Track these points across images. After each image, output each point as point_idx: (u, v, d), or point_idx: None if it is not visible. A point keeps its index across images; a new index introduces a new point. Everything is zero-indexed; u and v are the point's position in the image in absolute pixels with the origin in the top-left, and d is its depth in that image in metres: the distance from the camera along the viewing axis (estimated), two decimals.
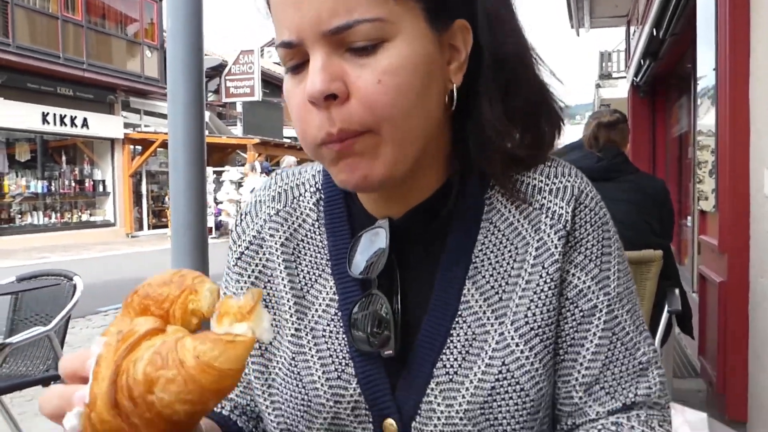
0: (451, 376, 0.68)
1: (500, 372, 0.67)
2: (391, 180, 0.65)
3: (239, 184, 17.58)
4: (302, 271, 0.75)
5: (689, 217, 5.97)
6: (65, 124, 15.96)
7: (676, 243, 6.61)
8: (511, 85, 0.69)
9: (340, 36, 0.60)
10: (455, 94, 0.67)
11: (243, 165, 18.44)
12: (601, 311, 0.70)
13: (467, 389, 0.67)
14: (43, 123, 15.41)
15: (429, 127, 0.66)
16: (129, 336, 0.48)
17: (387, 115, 0.61)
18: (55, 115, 15.62)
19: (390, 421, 0.69)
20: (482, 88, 0.68)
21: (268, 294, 0.77)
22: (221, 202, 17.35)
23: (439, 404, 0.68)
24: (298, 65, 0.63)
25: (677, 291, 2.78)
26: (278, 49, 0.64)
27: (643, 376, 0.71)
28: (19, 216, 15.78)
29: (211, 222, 15.44)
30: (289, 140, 22.44)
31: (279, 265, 0.76)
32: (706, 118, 3.70)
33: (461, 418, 0.67)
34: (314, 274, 0.75)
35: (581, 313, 0.70)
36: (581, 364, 0.70)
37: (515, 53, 0.68)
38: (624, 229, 2.64)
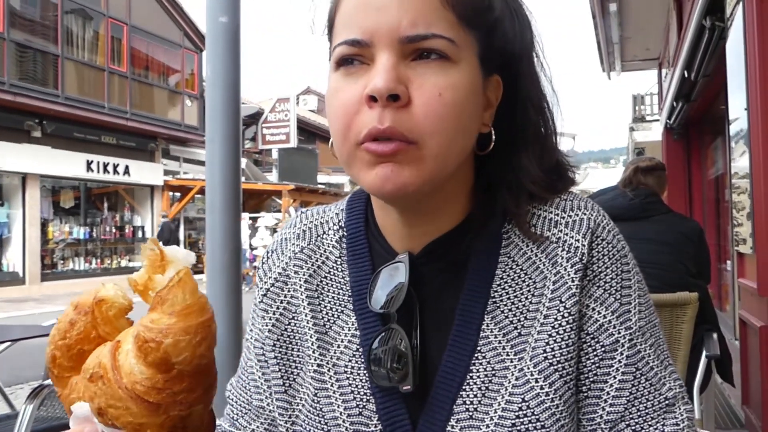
0: (471, 413, 0.68)
1: (520, 409, 0.67)
2: (422, 192, 0.67)
3: (274, 230, 17.79)
4: (325, 307, 0.77)
5: (728, 261, 5.81)
6: (108, 172, 16.48)
7: (716, 288, 6.43)
8: (547, 140, 0.75)
9: (414, 45, 0.64)
10: (493, 137, 0.72)
11: (278, 211, 18.70)
12: (623, 346, 0.69)
13: (488, 426, 0.67)
14: (87, 170, 15.95)
15: (462, 155, 0.70)
16: (105, 368, 0.50)
17: (439, 128, 0.64)
18: (98, 162, 16.17)
19: None
20: (520, 140, 0.73)
21: (292, 330, 0.78)
22: (256, 248, 17.55)
23: None
24: (355, 63, 0.66)
25: (715, 335, 2.69)
26: (340, 47, 0.67)
27: (670, 412, 0.70)
28: (62, 261, 16.19)
29: (246, 266, 15.57)
30: (323, 186, 22.71)
31: (303, 302, 0.78)
32: (741, 160, 3.66)
33: None
34: (336, 310, 0.77)
35: (603, 348, 0.69)
36: (605, 401, 0.69)
37: (550, 115, 0.76)
38: (657, 270, 2.61)
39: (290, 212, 17.89)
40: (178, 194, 18.85)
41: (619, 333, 0.70)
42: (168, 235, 15.47)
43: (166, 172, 18.36)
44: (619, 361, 0.69)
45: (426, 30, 0.64)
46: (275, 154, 23.04)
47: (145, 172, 17.54)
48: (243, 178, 2.70)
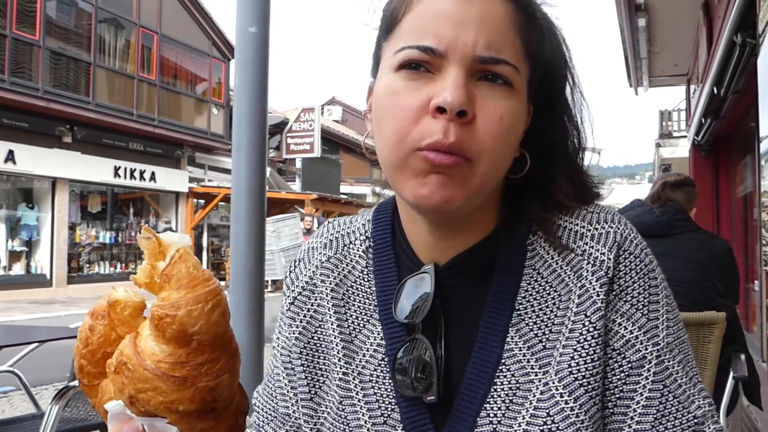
0: (494, 426, 0.68)
1: (545, 423, 0.67)
2: (463, 209, 0.68)
3: None
4: (351, 316, 0.78)
5: (756, 282, 5.69)
6: (135, 178, 16.74)
7: (743, 308, 6.30)
8: (577, 158, 0.77)
9: (484, 66, 0.66)
10: (528, 161, 0.73)
11: (301, 220, 18.78)
12: (650, 362, 0.69)
13: None
14: (115, 176, 16.22)
15: (502, 177, 0.71)
16: (127, 356, 0.52)
17: (494, 150, 0.66)
18: (126, 168, 16.44)
19: None
20: (552, 156, 0.75)
21: (318, 338, 0.79)
22: None
23: None
24: (421, 70, 0.67)
25: (743, 356, 2.63)
26: (409, 50, 0.66)
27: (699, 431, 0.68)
28: (88, 265, 16.44)
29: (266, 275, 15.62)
30: (345, 196, 22.79)
31: (329, 310, 0.79)
32: None
33: None
34: (362, 319, 0.77)
35: (629, 365, 0.69)
36: (632, 418, 0.68)
37: (580, 133, 0.77)
38: (684, 288, 2.56)
39: (313, 221, 17.96)
40: (202, 201, 19.05)
41: (647, 349, 0.69)
42: None
43: (191, 179, 18.58)
44: (646, 378, 0.69)
45: (498, 54, 0.66)
46: (299, 163, 23.20)
47: (170, 179, 17.78)
48: (267, 187, 2.72)
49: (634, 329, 0.70)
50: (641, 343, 0.69)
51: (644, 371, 0.69)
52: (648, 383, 0.69)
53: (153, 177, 17.22)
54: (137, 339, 0.52)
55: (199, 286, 0.51)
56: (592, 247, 0.71)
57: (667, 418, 0.68)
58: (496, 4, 0.67)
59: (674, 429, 0.68)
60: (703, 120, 7.15)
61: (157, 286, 0.53)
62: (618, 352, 0.69)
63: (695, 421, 0.69)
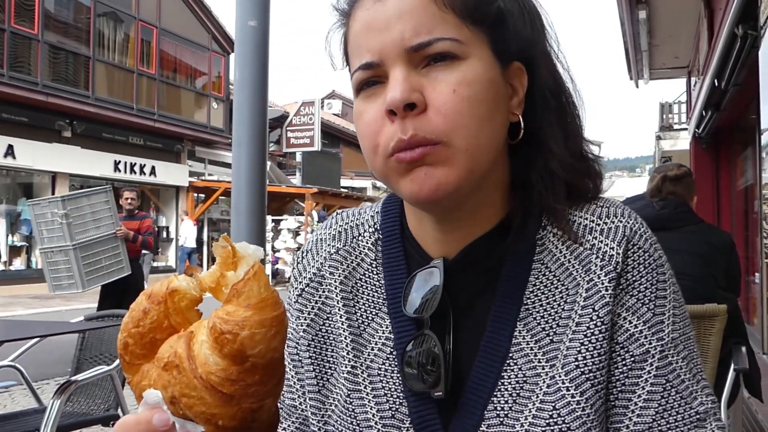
0: (501, 419, 0.68)
1: (551, 417, 0.67)
2: (461, 190, 0.67)
3: (296, 233, 17.90)
4: (360, 309, 0.78)
5: (757, 274, 5.70)
6: (135, 172, 16.74)
7: (743, 301, 6.31)
8: (570, 125, 0.75)
9: (420, 52, 0.66)
10: (522, 125, 0.72)
11: (301, 214, 18.80)
12: (653, 357, 0.69)
13: None
14: (115, 170, 16.21)
15: (494, 147, 0.70)
16: (180, 357, 0.51)
17: (460, 124, 0.65)
18: (126, 163, 16.43)
19: None
20: (545, 125, 0.73)
21: (327, 331, 0.79)
22: (278, 251, 17.66)
23: None
24: (373, 84, 0.69)
25: (744, 348, 2.65)
26: (356, 74, 0.70)
27: (701, 428, 0.68)
28: None
29: (267, 270, 15.67)
30: (346, 190, 22.78)
31: (337, 303, 0.78)
32: None
33: None
34: (371, 312, 0.77)
35: (632, 358, 0.69)
36: (632, 411, 0.68)
37: (571, 100, 0.76)
38: (687, 281, 2.57)
39: (313, 215, 17.99)
40: (202, 195, 19.06)
41: (650, 344, 0.69)
42: None
43: (191, 174, 18.58)
44: (649, 372, 0.69)
45: (428, 36, 0.66)
46: (299, 157, 23.16)
47: (170, 173, 17.77)
48: (267, 181, 2.71)
49: (639, 324, 0.69)
50: (645, 338, 0.69)
51: (647, 365, 0.69)
52: (650, 377, 0.69)
53: (153, 171, 17.21)
54: (192, 342, 0.51)
55: (267, 309, 0.50)
56: (602, 241, 0.71)
57: (669, 412, 0.68)
58: None
59: (675, 424, 0.68)
60: (703, 112, 7.15)
61: (222, 295, 0.53)
62: (622, 346, 0.69)
63: (697, 417, 0.68)
